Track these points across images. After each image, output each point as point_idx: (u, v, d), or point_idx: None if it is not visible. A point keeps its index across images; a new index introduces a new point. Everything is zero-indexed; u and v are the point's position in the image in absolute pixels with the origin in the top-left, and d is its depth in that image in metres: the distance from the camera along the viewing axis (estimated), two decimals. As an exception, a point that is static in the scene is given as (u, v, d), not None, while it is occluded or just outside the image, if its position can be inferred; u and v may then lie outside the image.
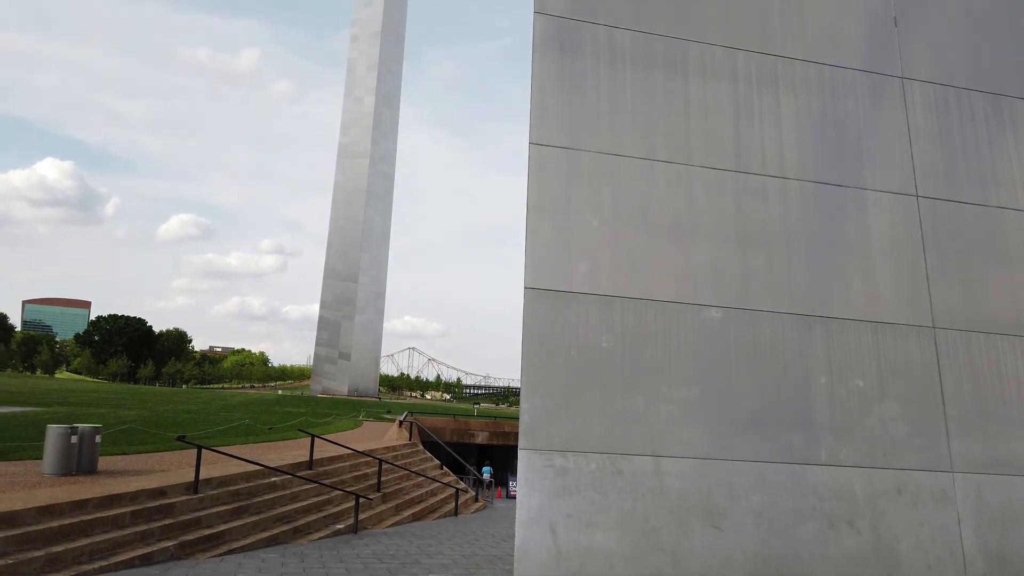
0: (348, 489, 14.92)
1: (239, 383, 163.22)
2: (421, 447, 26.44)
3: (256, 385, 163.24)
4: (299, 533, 12.44)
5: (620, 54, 5.22)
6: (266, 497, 12.69)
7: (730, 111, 5.30)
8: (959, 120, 5.68)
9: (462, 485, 23.95)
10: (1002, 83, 5.84)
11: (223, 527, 10.91)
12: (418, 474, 20.30)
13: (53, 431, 11.47)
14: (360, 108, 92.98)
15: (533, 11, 5.15)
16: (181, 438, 13.08)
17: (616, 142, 5.05)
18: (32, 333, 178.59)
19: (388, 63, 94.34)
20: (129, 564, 8.80)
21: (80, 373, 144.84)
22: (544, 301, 4.63)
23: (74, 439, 11.48)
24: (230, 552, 10.36)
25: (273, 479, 13.33)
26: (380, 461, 17.46)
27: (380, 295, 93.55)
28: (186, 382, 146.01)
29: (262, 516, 12.01)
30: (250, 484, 12.66)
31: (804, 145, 5.34)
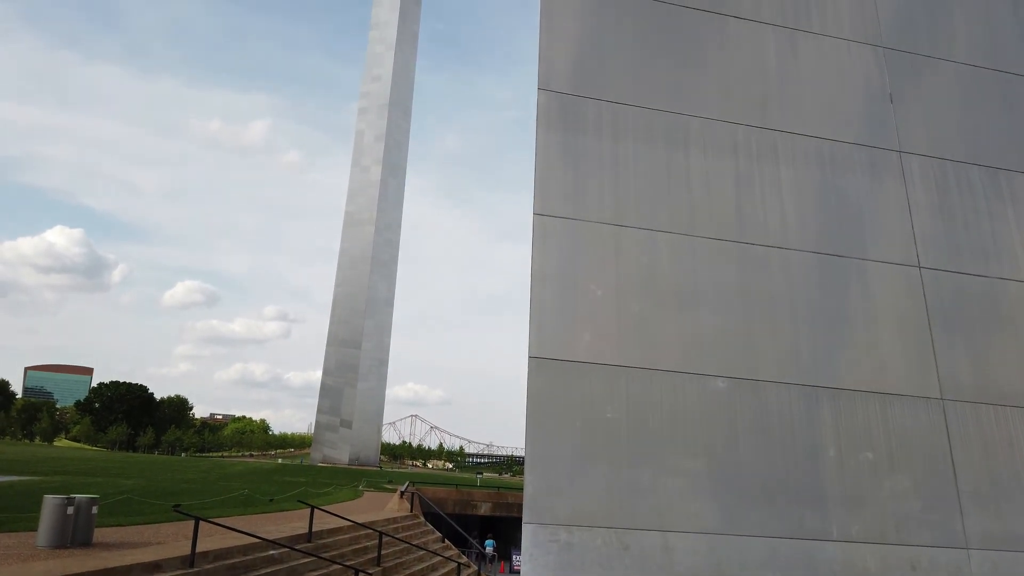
0: (347, 563, 14.53)
1: (239, 451, 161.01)
2: (423, 518, 25.86)
3: (256, 453, 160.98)
4: (296, 609, 12.07)
5: (623, 128, 5.34)
6: (263, 571, 12.36)
7: (731, 183, 5.39)
8: (958, 193, 5.77)
9: (464, 559, 23.31)
10: (999, 157, 5.95)
11: (218, 603, 10.60)
12: (419, 547, 19.79)
13: (49, 502, 11.28)
14: (367, 177, 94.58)
15: (537, 88, 5.30)
16: (177, 508, 12.83)
17: (619, 213, 5.12)
18: (33, 400, 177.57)
19: (395, 134, 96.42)
20: (120, 642, 8.52)
21: (79, 441, 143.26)
22: (548, 370, 4.61)
23: (70, 510, 11.28)
24: (224, 630, 10.04)
25: (271, 552, 13.01)
26: (380, 534, 17.06)
27: (383, 362, 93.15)
28: (186, 450, 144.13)
29: (258, 591, 11.68)
30: (247, 557, 12.35)
31: (805, 216, 5.41)
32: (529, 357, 4.63)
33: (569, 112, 5.28)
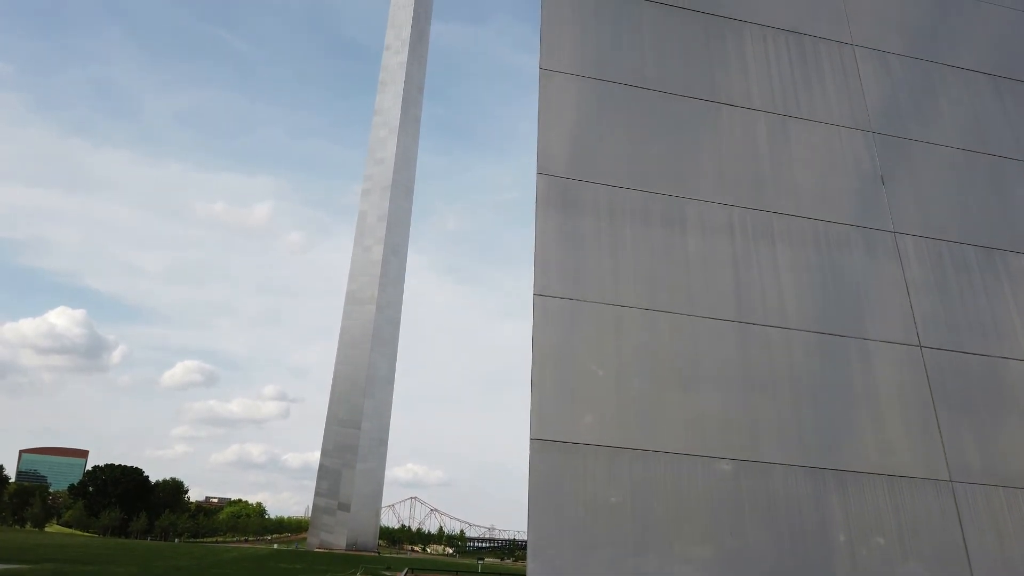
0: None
1: (235, 536, 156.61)
2: (422, 608, 24.92)
3: (252, 539, 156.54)
4: None
5: (620, 210, 5.43)
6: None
7: (729, 263, 5.44)
8: (954, 272, 5.82)
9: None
10: (992, 236, 6.03)
11: None
12: (418, 639, 19.00)
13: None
14: (369, 257, 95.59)
15: (536, 172, 5.42)
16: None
17: (619, 293, 5.14)
18: (26, 484, 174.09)
19: (397, 214, 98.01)
20: None
21: (71, 526, 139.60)
22: (551, 453, 4.54)
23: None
24: None
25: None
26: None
27: (383, 442, 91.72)
28: (179, 535, 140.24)
29: None
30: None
31: (804, 296, 5.44)
32: (531, 439, 4.57)
33: (567, 195, 5.38)
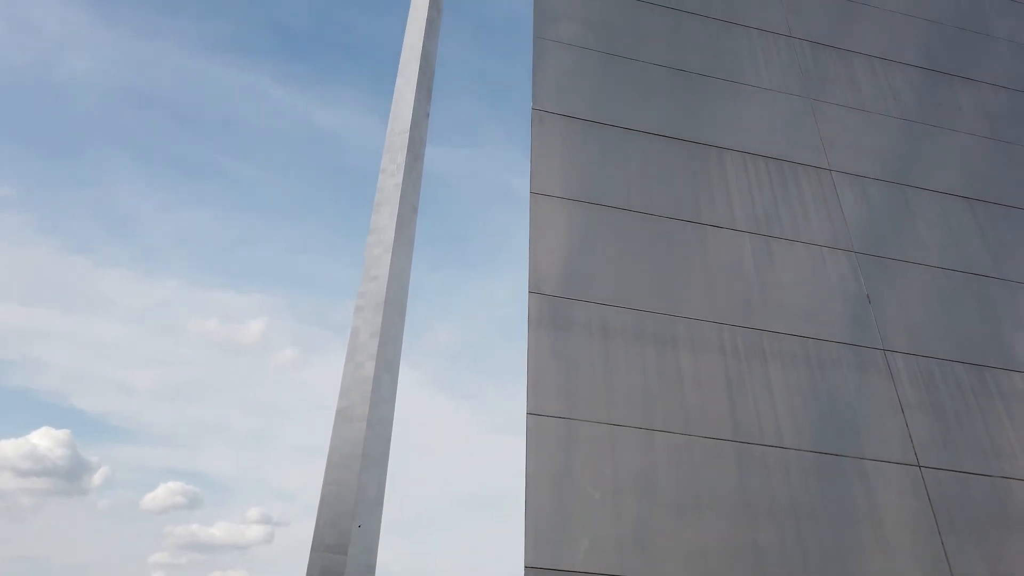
0: None
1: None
2: None
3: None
4: None
5: (612, 329, 5.48)
6: None
7: (722, 382, 5.43)
8: (947, 391, 5.82)
9: None
10: (983, 355, 6.07)
11: None
12: None
13: None
14: (360, 373, 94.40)
15: (528, 291, 5.50)
16: None
17: (613, 412, 5.10)
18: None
19: (390, 330, 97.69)
20: None
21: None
22: (546, 583, 4.35)
23: None
24: None
25: None
26: None
27: (370, 568, 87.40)
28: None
29: None
30: None
31: (798, 415, 5.40)
32: (525, 567, 4.39)
33: (559, 314, 5.44)
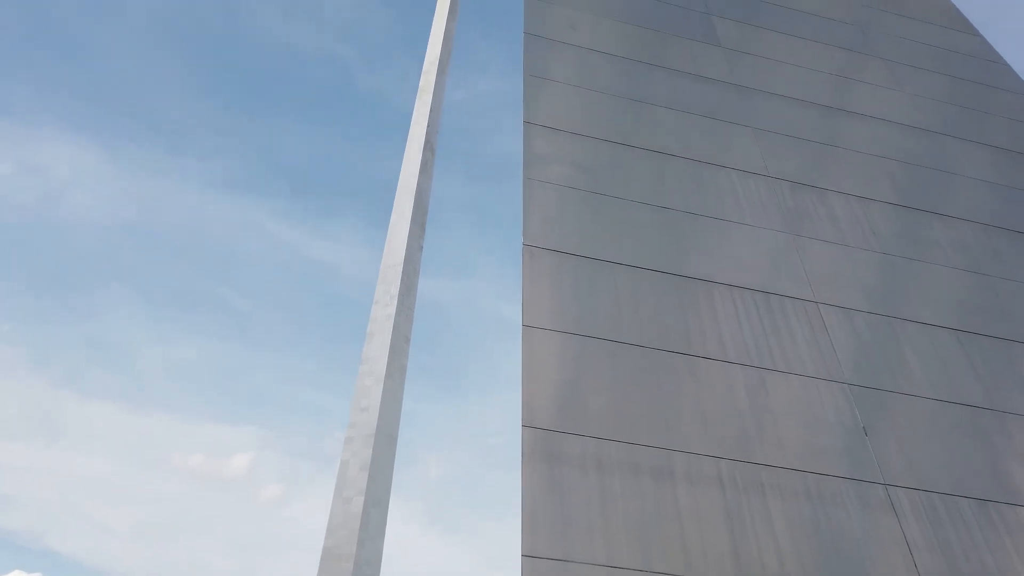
0: None
1: None
2: None
3: None
4: None
5: (607, 464, 5.37)
6: None
7: (722, 518, 5.27)
8: (952, 526, 5.65)
9: None
10: (985, 489, 5.94)
11: None
12: None
13: None
14: (348, 509, 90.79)
15: (521, 425, 5.43)
16: None
17: (611, 553, 4.90)
18: None
19: (379, 463, 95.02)
20: None
21: None
22: None
23: None
24: None
25: None
26: None
27: None
28: None
29: None
30: None
31: (802, 552, 5.20)
32: None
33: (553, 448, 5.34)
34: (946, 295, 7.75)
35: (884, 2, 13.80)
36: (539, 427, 5.43)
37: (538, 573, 4.69)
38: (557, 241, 6.86)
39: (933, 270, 8.01)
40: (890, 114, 10.48)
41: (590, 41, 9.93)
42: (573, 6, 10.56)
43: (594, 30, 10.22)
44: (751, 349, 6.46)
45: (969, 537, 5.60)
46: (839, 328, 6.92)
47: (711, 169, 8.37)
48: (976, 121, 10.98)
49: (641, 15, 10.95)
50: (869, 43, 12.27)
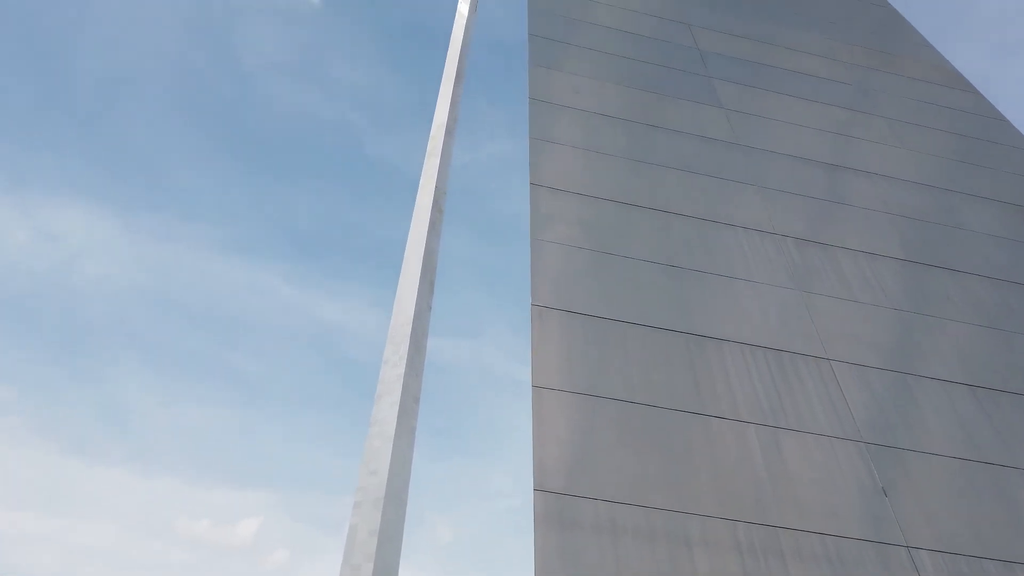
0: None
1: None
2: None
3: None
4: None
5: (621, 528, 5.25)
6: None
7: (741, 585, 5.11)
8: (980, 592, 5.46)
9: None
10: (1011, 550, 5.75)
11: None
12: None
13: None
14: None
15: (533, 488, 5.33)
16: None
17: (626, 621, 4.75)
18: None
19: (389, 528, 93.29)
20: None
21: None
22: None
23: None
24: None
25: None
26: None
27: None
28: None
29: None
30: None
31: (826, 621, 5.02)
32: None
33: (566, 512, 5.24)
34: (960, 350, 7.66)
35: (882, 63, 14.09)
36: (551, 491, 5.33)
37: (552, 644, 4.53)
38: (566, 301, 6.86)
39: (945, 325, 7.95)
40: (895, 171, 10.58)
41: (593, 104, 10.14)
42: (576, 72, 10.82)
43: (597, 94, 10.45)
44: (764, 407, 6.37)
45: (999, 603, 5.40)
46: (852, 385, 6.83)
47: (716, 227, 8.42)
48: (981, 176, 11.07)
49: (643, 79, 11.21)
50: (870, 102, 12.48)
